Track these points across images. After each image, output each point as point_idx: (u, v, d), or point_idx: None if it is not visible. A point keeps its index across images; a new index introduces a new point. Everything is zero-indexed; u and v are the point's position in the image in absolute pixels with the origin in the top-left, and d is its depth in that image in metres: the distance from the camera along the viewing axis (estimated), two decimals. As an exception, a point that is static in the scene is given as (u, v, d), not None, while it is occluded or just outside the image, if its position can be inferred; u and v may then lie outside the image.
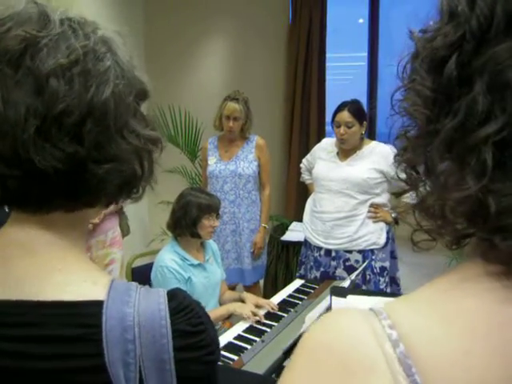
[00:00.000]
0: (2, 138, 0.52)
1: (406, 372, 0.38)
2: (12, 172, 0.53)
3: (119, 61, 0.58)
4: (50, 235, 0.58)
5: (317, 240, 2.78)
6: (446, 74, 0.39)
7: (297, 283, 2.65)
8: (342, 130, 2.64)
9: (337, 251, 2.71)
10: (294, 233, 3.80)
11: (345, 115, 2.66)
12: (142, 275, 2.36)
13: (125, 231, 2.98)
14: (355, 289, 2.64)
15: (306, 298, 2.42)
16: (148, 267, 2.30)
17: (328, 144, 2.89)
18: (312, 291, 2.51)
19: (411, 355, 0.38)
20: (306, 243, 2.93)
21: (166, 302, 0.57)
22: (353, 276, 2.25)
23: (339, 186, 2.67)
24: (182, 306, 0.57)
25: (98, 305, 0.54)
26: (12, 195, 0.55)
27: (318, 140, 5.55)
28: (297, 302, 2.37)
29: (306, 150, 5.56)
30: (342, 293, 1.97)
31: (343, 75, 7.73)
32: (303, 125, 5.58)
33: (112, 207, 2.74)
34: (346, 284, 2.07)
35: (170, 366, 0.54)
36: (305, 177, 3.14)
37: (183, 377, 0.55)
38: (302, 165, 3.15)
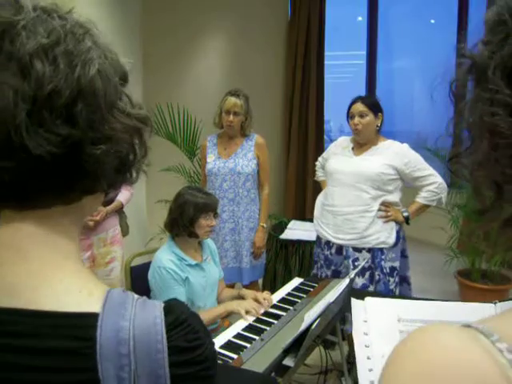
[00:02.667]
0: None
1: None
2: (4, 164, 0.50)
3: (99, 42, 0.57)
4: (48, 234, 0.56)
5: (326, 233, 2.76)
6: None
7: (296, 282, 2.65)
8: (356, 119, 2.65)
9: (347, 250, 2.69)
10: (293, 231, 3.80)
11: (358, 106, 2.67)
12: (140, 274, 2.35)
13: (124, 231, 2.98)
14: (365, 289, 2.64)
15: (305, 296, 2.42)
16: (146, 266, 2.29)
17: (344, 140, 2.90)
18: (311, 289, 2.51)
19: None
20: (317, 241, 2.93)
21: (163, 316, 0.55)
22: (352, 275, 2.24)
23: (352, 179, 2.66)
24: (179, 320, 0.55)
25: (93, 317, 0.52)
26: (6, 190, 0.53)
27: (317, 139, 5.60)
28: (296, 300, 2.36)
29: (304, 148, 5.58)
30: (359, 295, 1.96)
31: (342, 74, 7.73)
32: (302, 123, 5.58)
33: (113, 205, 2.75)
34: (345, 283, 2.07)
35: (166, 382, 0.53)
36: (319, 174, 3.15)
37: None
38: (317, 162, 3.16)
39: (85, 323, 0.52)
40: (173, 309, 0.57)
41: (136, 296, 0.57)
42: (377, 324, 1.04)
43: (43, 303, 0.52)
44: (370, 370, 0.93)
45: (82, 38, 0.55)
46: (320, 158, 3.12)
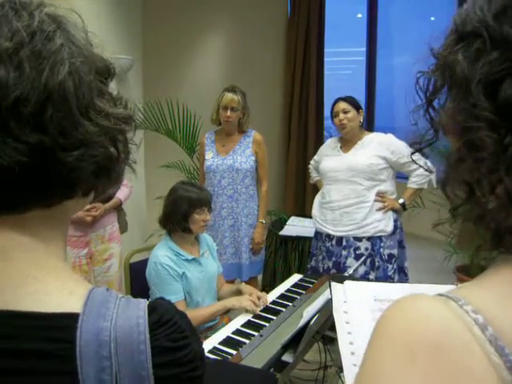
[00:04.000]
0: None
1: (499, 352, 0.39)
2: None
3: (72, 38, 0.54)
4: (27, 238, 0.54)
5: (326, 229, 2.89)
6: (501, 97, 0.41)
7: (295, 278, 2.65)
8: (341, 115, 2.84)
9: (347, 240, 2.80)
10: (293, 227, 3.80)
11: (340, 104, 2.88)
12: (139, 270, 2.35)
13: (123, 227, 2.97)
14: (366, 276, 2.75)
15: (304, 292, 2.42)
16: (146, 262, 2.29)
17: (332, 142, 3.07)
18: (310, 285, 2.51)
19: (501, 338, 0.40)
20: (316, 235, 3.04)
21: (146, 315, 0.52)
22: (351, 271, 2.25)
23: (345, 174, 2.81)
24: (164, 320, 0.53)
25: (73, 318, 0.50)
26: None
27: (317, 135, 5.59)
28: (295, 296, 2.36)
29: (304, 144, 5.57)
30: (339, 279, 2.01)
31: (342, 70, 7.71)
32: (302, 120, 5.57)
33: (111, 202, 2.74)
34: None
35: None
36: (313, 175, 3.31)
37: None
38: (310, 166, 3.31)
39: (64, 324, 0.50)
40: (157, 308, 0.54)
41: (120, 295, 0.55)
42: (355, 303, 1.11)
43: (23, 303, 0.50)
44: (351, 344, 1.00)
45: (52, 36, 0.51)
46: (312, 161, 3.28)
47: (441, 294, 0.45)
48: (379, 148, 2.78)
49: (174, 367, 0.52)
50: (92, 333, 0.49)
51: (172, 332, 0.53)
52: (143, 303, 0.54)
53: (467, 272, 3.87)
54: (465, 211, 0.48)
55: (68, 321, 0.50)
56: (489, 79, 0.42)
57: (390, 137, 2.84)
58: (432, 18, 6.57)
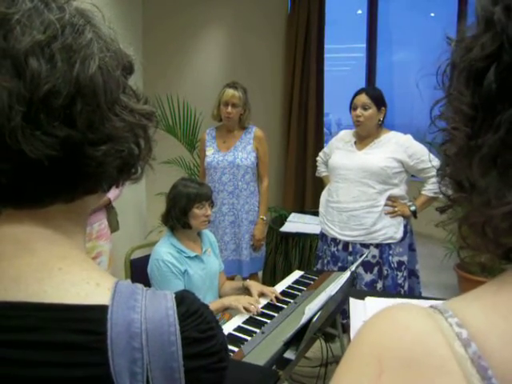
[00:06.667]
0: None
1: (480, 374, 0.35)
2: (1, 166, 0.48)
3: (100, 33, 0.54)
4: (50, 231, 0.54)
5: (332, 231, 2.74)
6: (485, 87, 0.37)
7: (296, 274, 2.65)
8: (358, 111, 2.63)
9: (354, 246, 2.67)
10: (293, 224, 3.79)
11: (362, 97, 2.64)
12: (140, 267, 2.34)
13: (113, 227, 2.92)
14: (373, 285, 2.64)
15: (305, 289, 2.42)
16: (146, 259, 2.28)
17: (345, 134, 2.86)
18: (311, 282, 2.51)
19: (485, 356, 0.36)
20: (322, 237, 2.91)
21: (175, 307, 0.53)
22: (353, 267, 2.24)
23: (356, 174, 2.62)
24: (191, 311, 0.54)
25: (102, 310, 0.50)
26: (4, 192, 0.51)
27: (316, 131, 5.59)
28: (296, 293, 2.36)
29: (304, 140, 5.56)
30: (359, 295, 1.95)
31: (341, 66, 7.70)
32: (301, 116, 5.56)
33: (101, 202, 2.71)
34: (346, 276, 2.06)
35: (180, 375, 0.51)
36: (320, 169, 3.12)
37: None
38: (318, 158, 3.13)
39: (94, 316, 0.50)
40: (184, 299, 0.55)
41: (145, 287, 0.56)
42: None
43: (50, 295, 0.50)
44: None
45: (82, 30, 0.52)
46: (321, 154, 3.09)
47: (432, 306, 0.42)
48: (396, 149, 2.58)
49: (203, 358, 0.53)
50: (123, 325, 0.49)
51: (200, 323, 0.53)
52: (170, 294, 0.55)
53: (468, 269, 3.86)
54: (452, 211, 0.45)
55: (97, 313, 0.50)
56: (474, 67, 0.38)
57: (409, 139, 2.63)
58: (432, 14, 6.56)
